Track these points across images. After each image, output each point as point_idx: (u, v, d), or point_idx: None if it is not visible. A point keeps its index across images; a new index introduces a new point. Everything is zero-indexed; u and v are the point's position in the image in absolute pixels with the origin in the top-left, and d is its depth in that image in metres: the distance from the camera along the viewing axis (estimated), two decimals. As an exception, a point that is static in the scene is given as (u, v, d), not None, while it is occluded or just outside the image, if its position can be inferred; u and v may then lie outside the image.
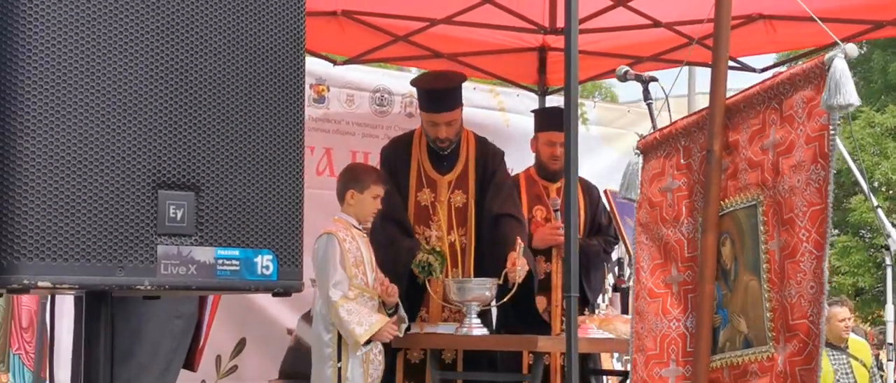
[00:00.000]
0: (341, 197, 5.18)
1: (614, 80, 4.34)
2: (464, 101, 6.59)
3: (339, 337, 4.97)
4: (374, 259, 5.14)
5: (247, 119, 2.37)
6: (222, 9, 2.37)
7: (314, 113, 6.38)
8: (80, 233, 2.18)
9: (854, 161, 4.81)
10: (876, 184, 18.95)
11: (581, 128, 7.25)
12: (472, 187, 5.69)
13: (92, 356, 2.28)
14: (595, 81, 18.38)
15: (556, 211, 5.78)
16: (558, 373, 5.70)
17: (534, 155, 6.12)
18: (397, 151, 5.72)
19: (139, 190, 2.24)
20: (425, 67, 6.80)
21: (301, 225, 2.41)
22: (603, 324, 5.39)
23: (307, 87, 6.35)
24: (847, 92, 2.96)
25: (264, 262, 2.33)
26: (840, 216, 19.42)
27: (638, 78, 4.35)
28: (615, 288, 5.90)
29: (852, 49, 3.05)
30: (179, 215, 2.25)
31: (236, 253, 2.30)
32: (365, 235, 5.16)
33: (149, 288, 2.19)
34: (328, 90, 6.44)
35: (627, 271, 6.11)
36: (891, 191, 18.87)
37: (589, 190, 6.09)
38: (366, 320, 4.97)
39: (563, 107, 6.56)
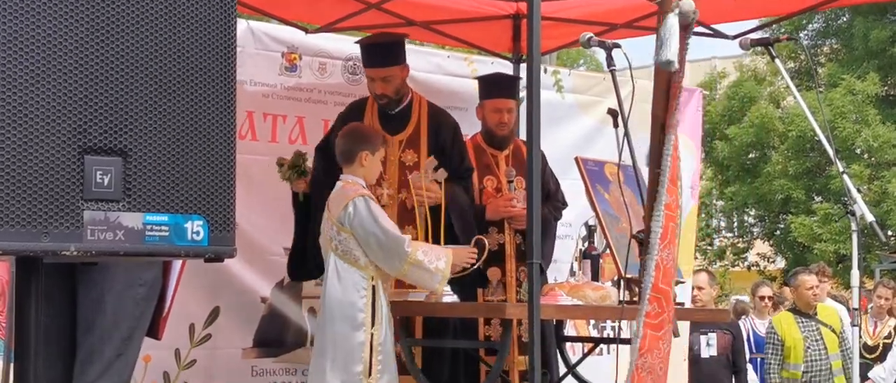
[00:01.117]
0: (351, 157, 5.06)
1: (599, 48, 4.32)
2: (438, 69, 6.59)
3: (374, 300, 4.88)
4: None
5: (176, 82, 2.34)
6: (149, -29, 2.33)
7: (286, 81, 6.35)
8: (2, 198, 2.15)
9: (822, 129, 4.81)
10: (858, 150, 18.92)
11: (556, 96, 7.28)
12: (424, 148, 5.74)
13: (22, 324, 2.26)
14: (579, 49, 18.30)
15: (509, 182, 5.80)
16: (515, 344, 5.70)
17: (480, 122, 6.10)
18: (352, 114, 5.77)
19: (64, 155, 2.21)
20: (398, 35, 6.75)
21: (233, 190, 2.39)
22: (572, 291, 5.39)
23: (279, 55, 6.33)
24: (668, 49, 2.94)
25: (195, 228, 2.31)
26: (822, 183, 19.40)
27: (601, 45, 4.35)
28: (586, 255, 5.89)
29: (687, 3, 3.01)
30: (106, 180, 2.23)
31: (165, 218, 2.28)
32: (373, 197, 5.16)
33: (75, 253, 2.18)
34: (300, 58, 6.40)
35: (601, 240, 6.11)
36: (872, 159, 18.86)
37: None
38: (441, 254, 4.92)
39: (506, 73, 6.60)
